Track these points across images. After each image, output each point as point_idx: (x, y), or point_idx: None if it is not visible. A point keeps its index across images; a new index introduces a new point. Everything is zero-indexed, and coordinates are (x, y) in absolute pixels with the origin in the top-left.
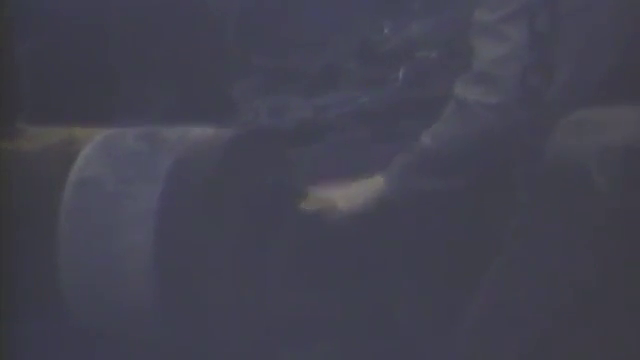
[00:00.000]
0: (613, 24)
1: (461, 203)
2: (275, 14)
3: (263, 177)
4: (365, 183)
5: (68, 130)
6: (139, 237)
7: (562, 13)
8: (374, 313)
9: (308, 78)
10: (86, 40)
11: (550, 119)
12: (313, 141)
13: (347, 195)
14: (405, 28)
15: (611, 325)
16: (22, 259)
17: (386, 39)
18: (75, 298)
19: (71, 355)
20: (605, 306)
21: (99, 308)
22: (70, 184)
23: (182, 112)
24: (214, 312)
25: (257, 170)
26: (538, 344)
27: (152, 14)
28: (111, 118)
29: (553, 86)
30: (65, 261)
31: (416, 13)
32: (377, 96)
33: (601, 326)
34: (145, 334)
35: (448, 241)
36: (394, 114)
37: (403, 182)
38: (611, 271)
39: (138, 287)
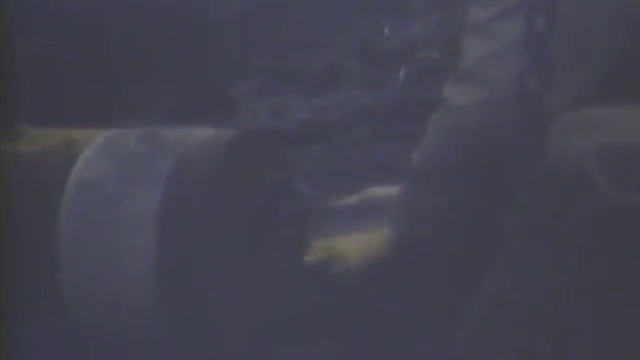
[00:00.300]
0: (611, 23)
1: (461, 210)
2: (275, 14)
3: (263, 178)
4: (373, 233)
5: (68, 132)
6: (140, 238)
7: (559, 11)
8: (374, 313)
9: (308, 78)
10: (86, 41)
11: (544, 119)
12: (313, 142)
13: (355, 244)
14: (406, 28)
15: (612, 325)
16: (22, 261)
17: (386, 39)
18: (76, 300)
19: (71, 356)
20: (606, 306)
21: (100, 309)
22: (71, 185)
23: (182, 113)
24: (215, 313)
25: (257, 171)
26: (539, 345)
27: (152, 15)
28: (112, 119)
29: (548, 86)
30: (66, 262)
31: (417, 13)
32: (378, 96)
33: (601, 326)
34: (146, 335)
35: (449, 244)
36: (395, 114)
37: (405, 211)
38: (612, 271)
39: (139, 288)
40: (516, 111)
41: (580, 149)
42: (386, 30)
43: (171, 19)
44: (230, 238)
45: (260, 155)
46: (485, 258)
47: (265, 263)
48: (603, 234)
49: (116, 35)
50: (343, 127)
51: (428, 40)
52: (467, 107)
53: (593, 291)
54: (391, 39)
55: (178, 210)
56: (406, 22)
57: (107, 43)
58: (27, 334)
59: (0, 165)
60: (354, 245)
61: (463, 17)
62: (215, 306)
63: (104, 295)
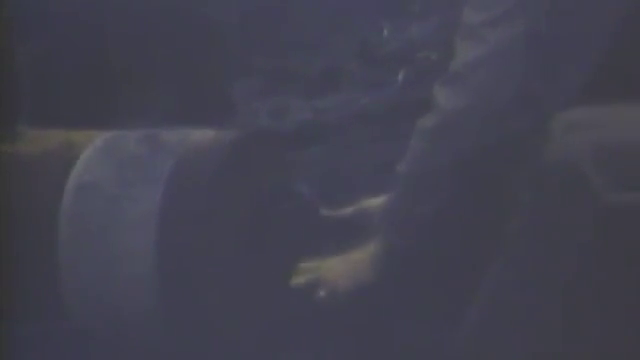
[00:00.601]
0: (608, 23)
1: (451, 216)
2: (275, 15)
3: (263, 179)
4: (362, 251)
5: (68, 133)
6: (140, 240)
7: (550, 15)
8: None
9: (308, 80)
10: (86, 42)
11: (535, 122)
12: (313, 143)
13: (342, 265)
14: (405, 30)
15: (610, 324)
16: (22, 261)
17: (386, 41)
18: (76, 301)
19: (71, 357)
20: (605, 306)
21: (100, 311)
22: (70, 187)
23: (182, 114)
24: (215, 315)
25: (257, 172)
26: (539, 345)
27: (152, 16)
28: (111, 121)
29: (543, 87)
30: (66, 264)
31: (416, 15)
32: (377, 98)
33: (600, 325)
34: (146, 336)
35: (440, 251)
36: (394, 116)
37: (394, 220)
38: (610, 270)
39: (138, 289)
40: (506, 115)
41: (576, 149)
42: (385, 31)
43: (171, 20)
44: (230, 239)
45: (260, 156)
46: (478, 263)
47: (265, 264)
48: (599, 234)
49: (116, 36)
50: (343, 128)
51: (427, 42)
52: (454, 111)
53: (591, 290)
54: (390, 40)
55: (178, 212)
56: (405, 23)
57: (107, 44)
58: (27, 334)
59: (0, 166)
60: (342, 267)
61: (459, 20)
62: (215, 307)
63: (104, 296)
